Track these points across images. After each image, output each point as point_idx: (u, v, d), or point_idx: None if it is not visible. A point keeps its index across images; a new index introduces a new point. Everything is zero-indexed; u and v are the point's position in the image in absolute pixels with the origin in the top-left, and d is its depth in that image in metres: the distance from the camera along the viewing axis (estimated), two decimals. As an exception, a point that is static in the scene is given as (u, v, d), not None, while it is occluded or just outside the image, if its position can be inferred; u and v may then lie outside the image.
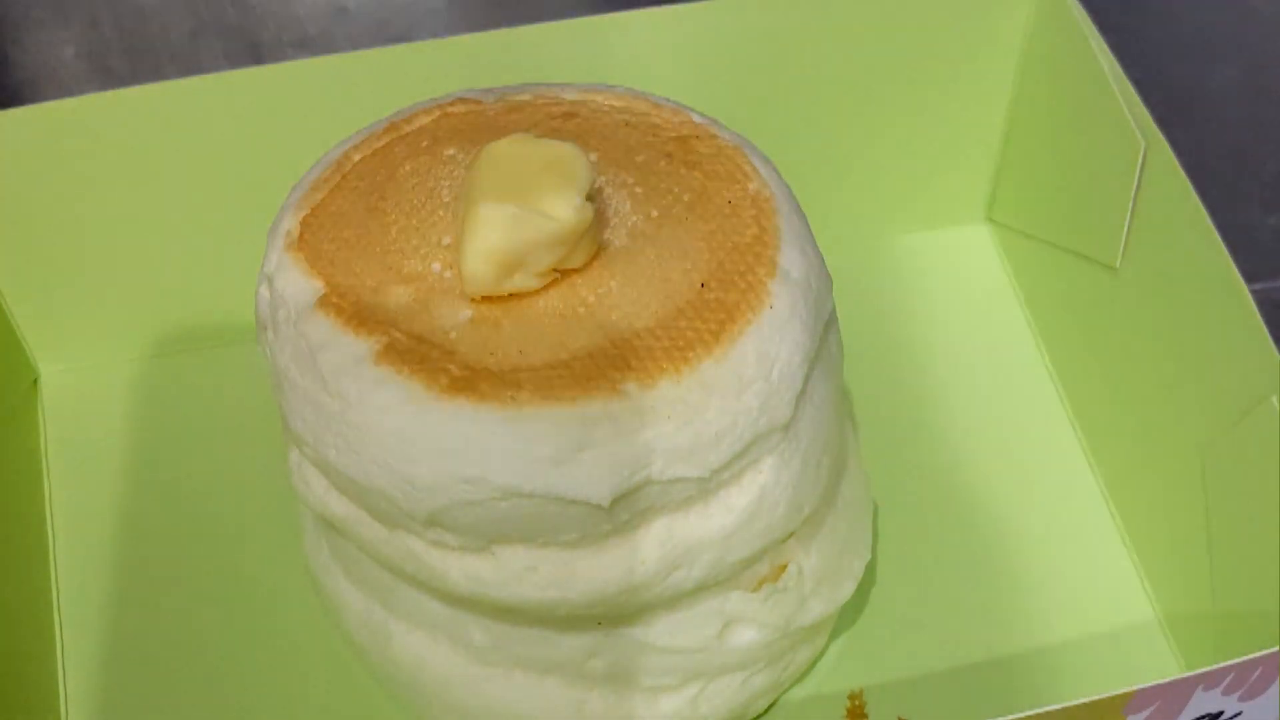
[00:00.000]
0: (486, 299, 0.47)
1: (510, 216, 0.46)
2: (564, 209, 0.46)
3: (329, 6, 0.84)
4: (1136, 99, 0.61)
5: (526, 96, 0.54)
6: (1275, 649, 0.46)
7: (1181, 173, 0.59)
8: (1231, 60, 0.83)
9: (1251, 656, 0.45)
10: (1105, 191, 0.64)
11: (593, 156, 0.52)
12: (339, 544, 0.55)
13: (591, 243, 0.48)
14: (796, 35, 0.67)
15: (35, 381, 0.68)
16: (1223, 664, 0.45)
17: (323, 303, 0.48)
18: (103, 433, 0.66)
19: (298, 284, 0.49)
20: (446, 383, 0.46)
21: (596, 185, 0.50)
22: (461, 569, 0.49)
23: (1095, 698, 0.44)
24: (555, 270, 0.48)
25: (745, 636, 0.54)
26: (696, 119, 0.54)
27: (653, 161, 0.52)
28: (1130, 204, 0.62)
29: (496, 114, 0.54)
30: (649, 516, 0.48)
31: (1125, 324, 0.64)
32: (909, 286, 0.72)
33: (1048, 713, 0.44)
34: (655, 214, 0.50)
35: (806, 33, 0.67)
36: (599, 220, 0.49)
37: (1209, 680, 0.45)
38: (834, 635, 0.61)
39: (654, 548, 0.48)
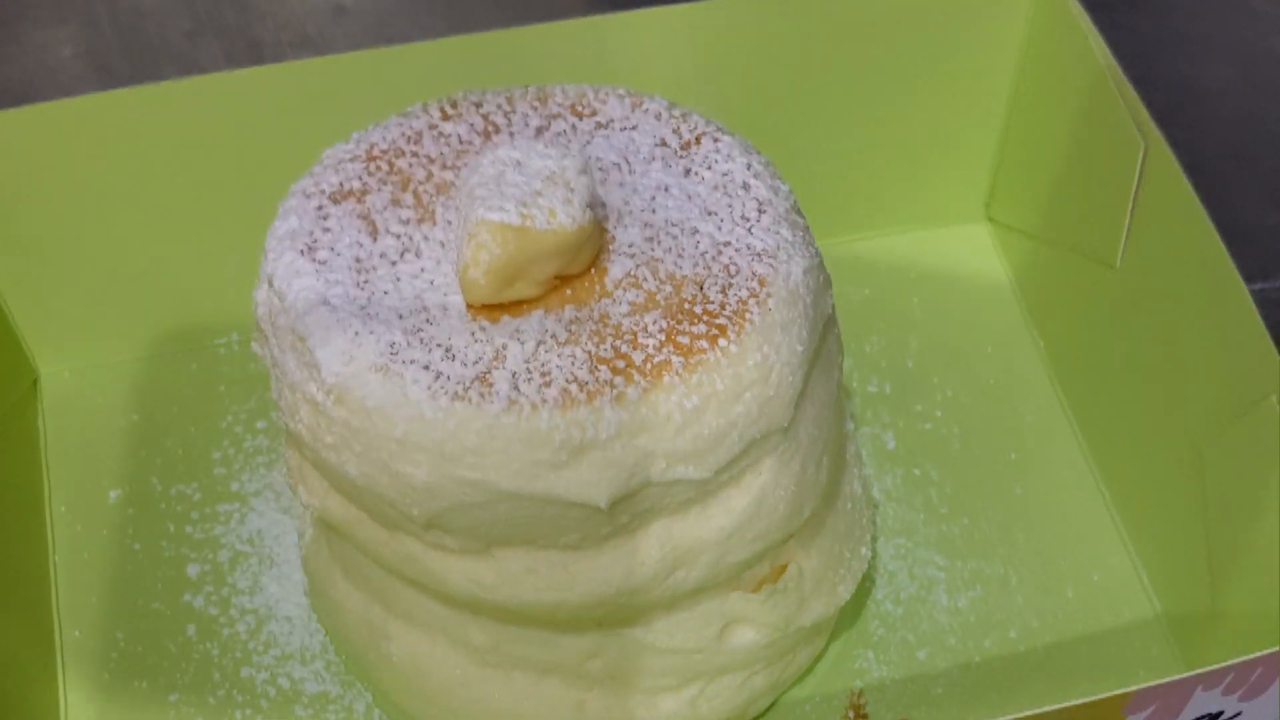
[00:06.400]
0: (487, 305, 0.47)
1: (510, 228, 0.46)
2: (565, 218, 0.46)
3: (329, 6, 0.84)
4: (1136, 98, 0.61)
5: (527, 97, 0.54)
6: (1275, 649, 0.46)
7: (1181, 172, 0.59)
8: (1230, 59, 0.83)
9: (1251, 656, 0.45)
10: (1105, 191, 0.64)
11: (593, 160, 0.52)
12: (338, 545, 0.55)
13: (592, 248, 0.48)
14: (796, 35, 0.67)
15: (35, 381, 0.68)
16: (1223, 664, 0.45)
17: (322, 304, 0.48)
18: (103, 433, 0.66)
19: (297, 284, 0.49)
20: (446, 386, 0.46)
21: (596, 190, 0.50)
22: (461, 571, 0.49)
23: (1095, 698, 0.44)
24: (556, 277, 0.48)
25: (745, 637, 0.54)
26: (697, 120, 0.54)
27: (653, 164, 0.52)
28: (1130, 203, 0.62)
29: (496, 115, 0.54)
30: (649, 518, 0.48)
31: (1125, 323, 0.64)
32: (909, 286, 0.72)
33: (1048, 713, 0.44)
34: (655, 217, 0.50)
35: (806, 33, 0.67)
36: (599, 225, 0.49)
37: (1209, 680, 0.45)
38: (834, 635, 0.61)
39: (653, 549, 0.48)
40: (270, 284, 0.50)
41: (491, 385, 0.45)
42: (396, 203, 0.51)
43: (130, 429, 0.67)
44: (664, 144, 0.53)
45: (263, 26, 0.83)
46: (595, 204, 0.48)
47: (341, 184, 0.52)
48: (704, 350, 0.46)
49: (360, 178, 0.52)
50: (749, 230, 0.50)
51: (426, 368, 0.46)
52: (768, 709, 0.59)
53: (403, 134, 0.53)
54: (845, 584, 0.56)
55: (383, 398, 0.46)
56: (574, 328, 0.47)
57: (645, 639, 0.52)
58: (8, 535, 0.61)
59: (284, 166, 0.56)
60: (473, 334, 0.47)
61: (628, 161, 0.52)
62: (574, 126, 0.53)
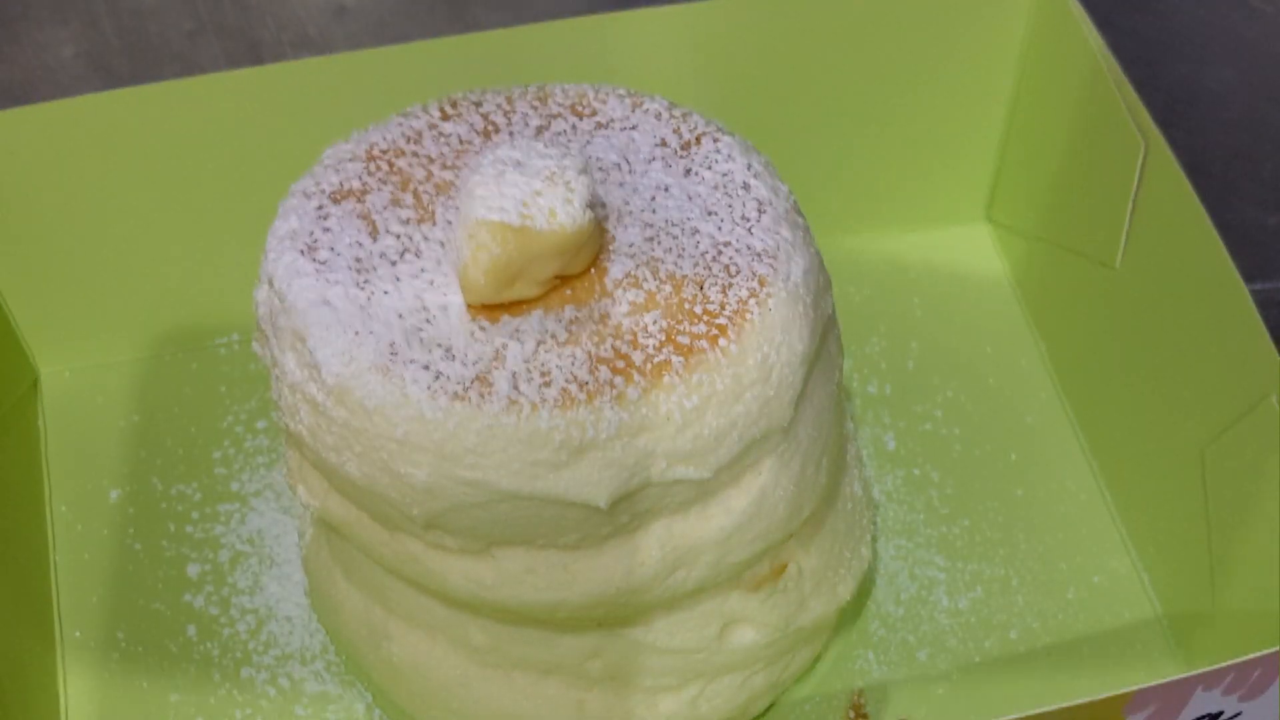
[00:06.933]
0: (487, 305, 0.47)
1: (510, 229, 0.46)
2: (565, 218, 0.46)
3: (329, 6, 0.84)
4: (1136, 99, 0.61)
5: (526, 97, 0.54)
6: (1275, 649, 0.46)
7: (1181, 173, 0.59)
8: (1231, 60, 0.83)
9: (1251, 656, 0.45)
10: (1105, 191, 0.64)
11: (593, 160, 0.52)
12: (338, 545, 0.55)
13: (592, 248, 0.48)
14: (796, 35, 0.67)
15: (35, 381, 0.68)
16: (1223, 664, 0.45)
17: (322, 304, 0.48)
18: (103, 433, 0.66)
19: (297, 284, 0.49)
20: (446, 386, 0.46)
21: (596, 190, 0.50)
22: (461, 571, 0.49)
23: (1095, 698, 0.44)
24: (556, 277, 0.48)
25: (745, 637, 0.54)
26: (697, 120, 0.54)
27: (653, 164, 0.52)
28: (1130, 204, 0.62)
29: (496, 115, 0.54)
30: (649, 518, 0.48)
31: (1125, 324, 0.64)
32: (909, 286, 0.72)
33: (1048, 713, 0.44)
34: (655, 217, 0.50)
35: (806, 33, 0.67)
36: (599, 225, 0.49)
37: (1209, 680, 0.45)
38: (834, 635, 0.61)
39: (653, 549, 0.48)
40: (270, 284, 0.50)
41: (491, 385, 0.45)
42: (396, 202, 0.51)
43: (130, 429, 0.67)
44: (664, 144, 0.53)
45: (263, 26, 0.83)
46: (595, 204, 0.48)
47: (341, 184, 0.52)
48: (704, 350, 0.46)
49: (360, 177, 0.52)
50: (749, 230, 0.50)
51: (426, 368, 0.46)
52: (768, 709, 0.59)
53: (403, 134, 0.53)
54: (845, 584, 0.56)
55: (383, 398, 0.46)
56: (574, 328, 0.47)
57: (645, 639, 0.52)
58: (8, 535, 0.61)
59: (284, 166, 0.56)
60: (472, 334, 0.47)
61: (628, 161, 0.52)
62: (574, 126, 0.53)
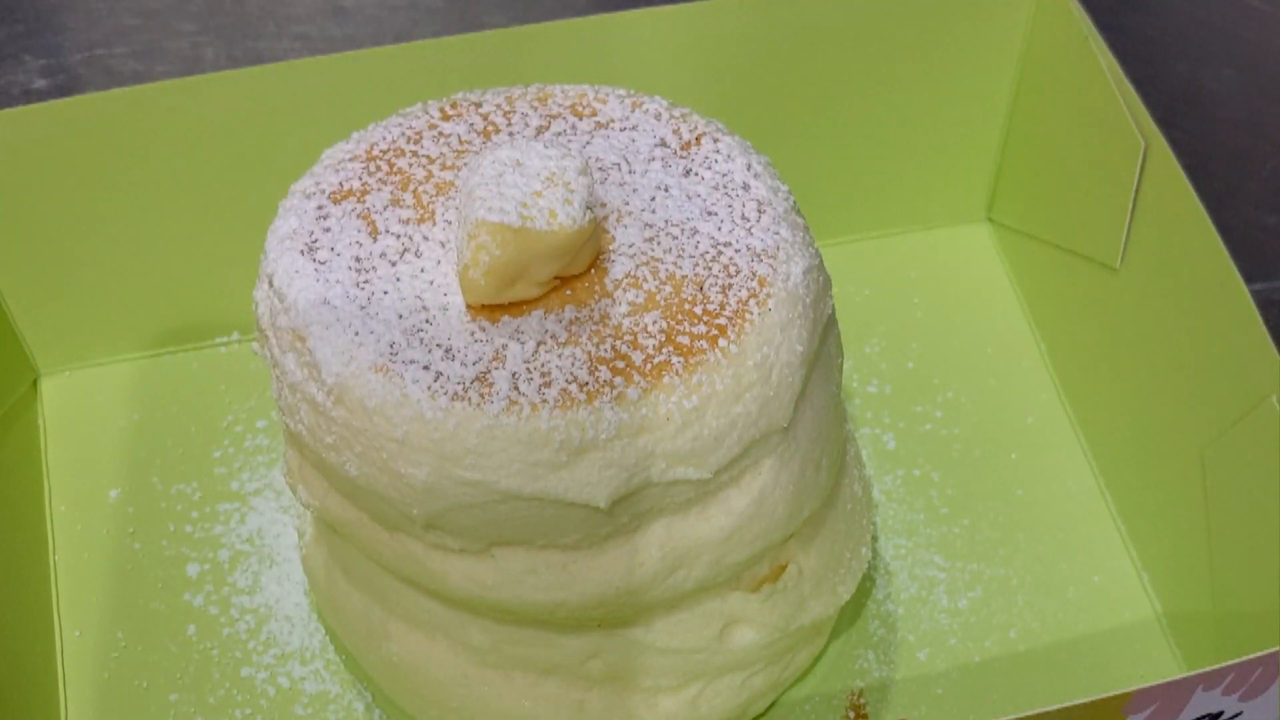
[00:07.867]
0: (487, 305, 0.47)
1: (510, 229, 0.46)
2: (564, 219, 0.46)
3: (328, 6, 0.84)
4: (1136, 99, 0.61)
5: (526, 97, 0.54)
6: (1275, 649, 0.46)
7: (1181, 173, 0.59)
8: (1231, 60, 0.83)
9: (1251, 656, 0.45)
10: (1105, 191, 0.64)
11: (593, 160, 0.52)
12: (338, 545, 0.55)
13: (592, 249, 0.48)
14: (796, 35, 0.67)
15: (35, 381, 0.68)
16: (1223, 664, 0.45)
17: (322, 304, 0.48)
18: (103, 433, 0.66)
19: (297, 284, 0.49)
20: (446, 386, 0.46)
21: (596, 190, 0.50)
22: (461, 571, 0.49)
23: (1095, 698, 0.44)
24: (556, 278, 0.48)
25: (745, 637, 0.54)
26: (697, 120, 0.54)
27: (652, 164, 0.52)
28: (1130, 204, 0.62)
29: (496, 115, 0.54)
30: (649, 518, 0.48)
31: (1125, 324, 0.64)
32: (909, 286, 0.72)
33: (1048, 713, 0.44)
34: (655, 217, 0.50)
35: (806, 33, 0.67)
36: (599, 226, 0.49)
37: (1209, 680, 0.45)
38: (834, 635, 0.61)
39: (653, 549, 0.48)
40: (270, 284, 0.50)
41: (491, 385, 0.45)
42: (396, 202, 0.51)
43: (130, 429, 0.67)
44: (664, 144, 0.53)
45: (263, 26, 0.83)
46: (595, 204, 0.48)
47: (341, 184, 0.52)
48: (704, 350, 0.46)
49: (360, 177, 0.52)
50: (749, 231, 0.50)
51: (426, 368, 0.46)
52: (768, 709, 0.59)
53: (403, 134, 0.53)
54: (845, 584, 0.56)
55: (383, 398, 0.46)
56: (574, 328, 0.47)
57: (645, 639, 0.52)
58: (8, 535, 0.61)
59: (284, 166, 0.56)
60: (472, 334, 0.47)
61: (628, 161, 0.52)
62: (574, 126, 0.53)
